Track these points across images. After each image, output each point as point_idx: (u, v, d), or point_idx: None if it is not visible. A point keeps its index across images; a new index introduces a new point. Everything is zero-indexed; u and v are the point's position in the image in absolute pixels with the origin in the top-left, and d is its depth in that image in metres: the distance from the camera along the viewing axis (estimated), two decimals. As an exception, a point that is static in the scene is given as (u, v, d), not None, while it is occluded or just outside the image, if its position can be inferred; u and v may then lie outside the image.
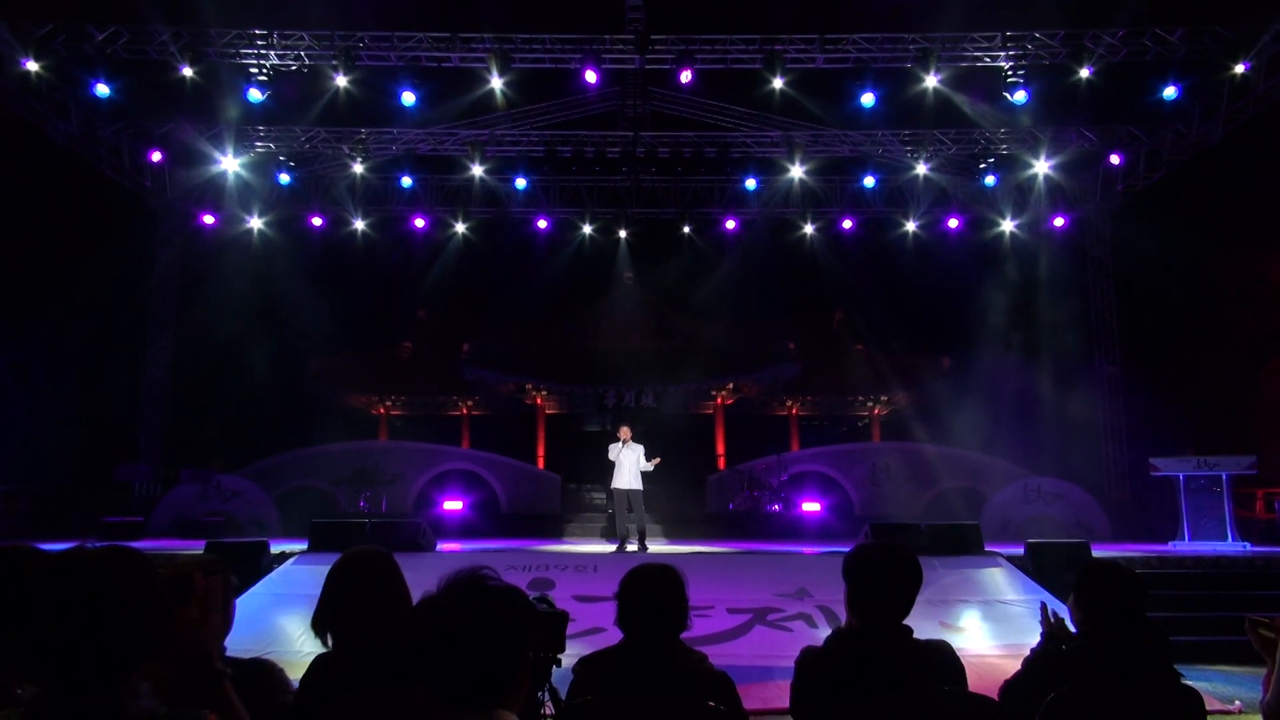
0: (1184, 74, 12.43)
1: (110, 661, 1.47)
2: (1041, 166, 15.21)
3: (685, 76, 12.43)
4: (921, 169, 15.42)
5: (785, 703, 2.63)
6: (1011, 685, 2.71)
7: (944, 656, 2.55)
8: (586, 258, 17.62)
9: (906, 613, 2.57)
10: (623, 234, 17.33)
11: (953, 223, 16.65)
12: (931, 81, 12.39)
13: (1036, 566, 8.77)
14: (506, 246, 17.53)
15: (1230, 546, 10.63)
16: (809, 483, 15.88)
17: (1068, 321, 16.33)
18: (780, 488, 15.38)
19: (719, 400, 19.97)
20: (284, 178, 15.49)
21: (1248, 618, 2.52)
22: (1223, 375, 17.68)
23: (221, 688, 1.86)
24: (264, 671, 2.30)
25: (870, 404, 20.89)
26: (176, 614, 2.06)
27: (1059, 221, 16.28)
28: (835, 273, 17.59)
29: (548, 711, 3.20)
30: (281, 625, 7.24)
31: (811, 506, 15.18)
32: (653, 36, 12.41)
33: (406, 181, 16.03)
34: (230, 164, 15.04)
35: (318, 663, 2.43)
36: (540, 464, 18.65)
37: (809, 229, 16.86)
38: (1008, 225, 16.67)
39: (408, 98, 12.76)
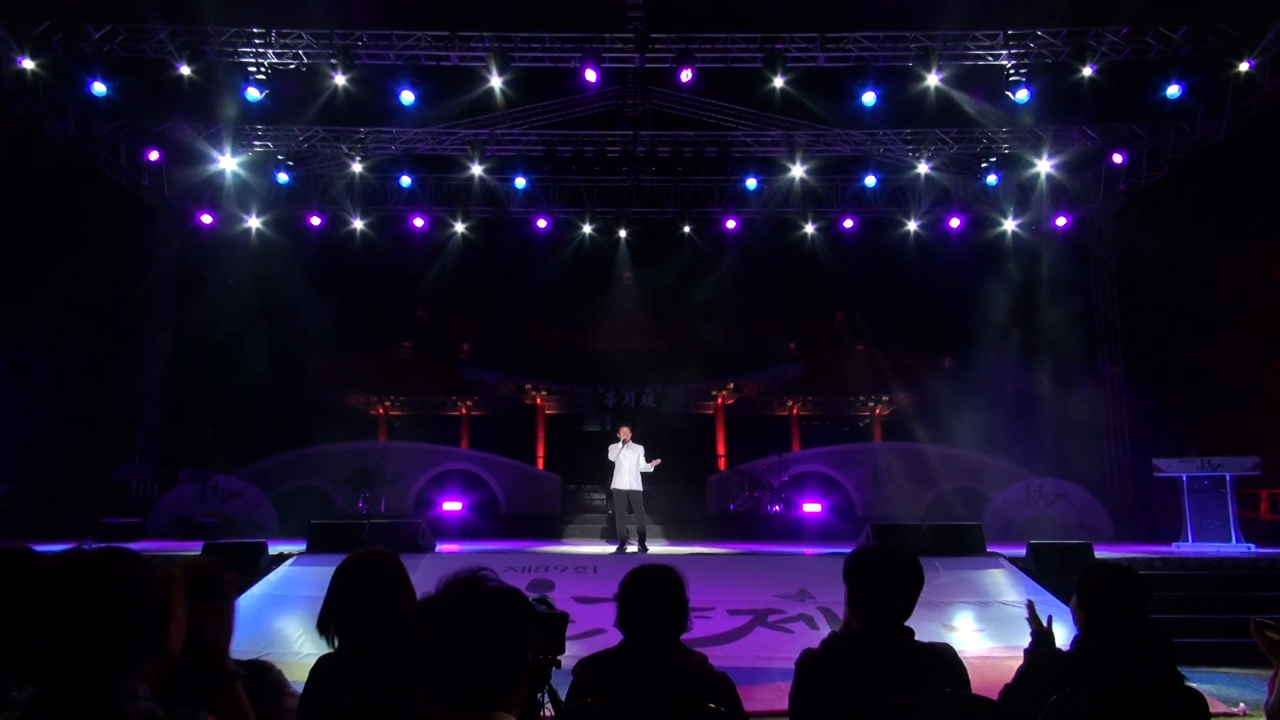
0: (1187, 72, 12.40)
1: (108, 663, 1.46)
2: (1044, 165, 15.19)
3: (685, 75, 12.40)
4: (923, 168, 15.39)
5: (786, 704, 2.61)
6: (1011, 689, 2.69)
7: (946, 659, 2.53)
8: (586, 257, 17.59)
9: (908, 614, 2.55)
10: (623, 234, 17.30)
11: (954, 222, 16.63)
12: (933, 80, 12.36)
13: (1039, 568, 8.73)
14: (506, 246, 17.51)
15: (1234, 548, 10.60)
16: (810, 483, 15.87)
17: (1070, 321, 16.29)
18: (781, 488, 15.36)
19: (719, 400, 19.96)
20: (282, 177, 15.46)
21: (1253, 619, 2.50)
22: (1226, 375, 17.67)
23: (233, 688, 1.86)
24: (262, 673, 2.30)
25: (871, 404, 20.88)
26: (201, 608, 2.06)
27: (1061, 221, 16.25)
28: (836, 272, 17.57)
29: (547, 713, 3.18)
30: (279, 627, 7.22)
31: (812, 507, 15.16)
32: (653, 35, 12.38)
33: (405, 181, 15.99)
34: (228, 163, 15.02)
35: (322, 663, 2.43)
36: (540, 464, 18.63)
37: (810, 228, 16.84)
38: (1010, 225, 16.64)
39: (407, 97, 12.73)
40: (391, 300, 19.61)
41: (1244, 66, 11.93)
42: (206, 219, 16.01)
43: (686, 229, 16.79)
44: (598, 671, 2.60)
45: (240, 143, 14.86)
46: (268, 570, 8.69)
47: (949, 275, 17.10)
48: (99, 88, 12.34)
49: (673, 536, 14.13)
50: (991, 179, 15.68)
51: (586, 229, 17.07)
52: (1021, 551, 9.23)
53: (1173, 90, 12.45)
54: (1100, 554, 9.02)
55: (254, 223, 16.35)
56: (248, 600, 7.66)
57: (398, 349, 20.62)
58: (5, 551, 1.88)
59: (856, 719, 2.29)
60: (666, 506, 15.30)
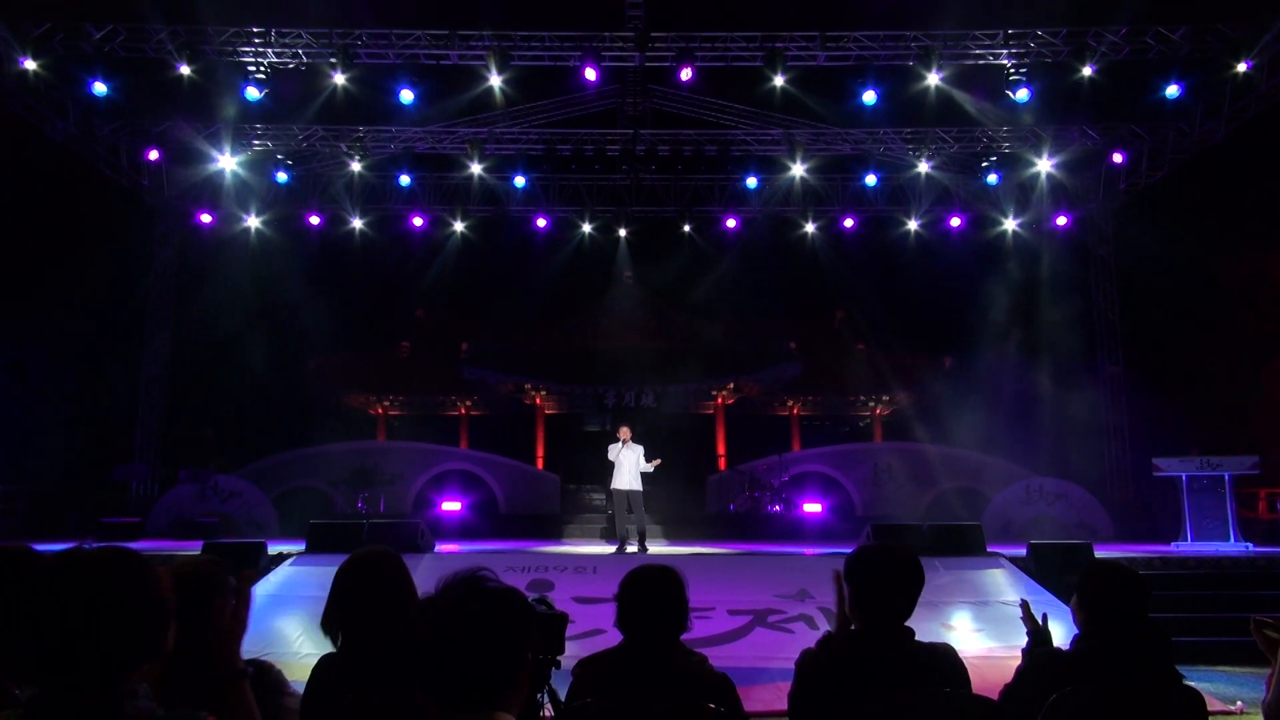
0: (1186, 72, 12.41)
1: (108, 663, 1.46)
2: (1044, 165, 15.19)
3: (685, 74, 12.39)
4: (923, 167, 15.38)
5: (786, 704, 2.61)
6: (1011, 689, 2.69)
7: (946, 659, 2.53)
8: (586, 256, 17.58)
9: (908, 614, 2.55)
10: (622, 233, 17.29)
11: (954, 221, 16.62)
12: (933, 79, 12.36)
13: (1039, 568, 8.74)
14: (505, 245, 17.50)
15: (1233, 547, 10.61)
16: (810, 483, 15.86)
17: (1070, 321, 16.29)
18: (781, 488, 15.35)
19: (719, 400, 19.95)
20: (282, 176, 15.45)
21: (1253, 618, 2.50)
22: (1226, 375, 17.69)
23: (242, 686, 1.86)
24: (262, 673, 2.29)
25: (872, 404, 20.87)
26: (215, 605, 2.05)
27: (1061, 220, 16.25)
28: (836, 272, 17.56)
29: (547, 713, 3.18)
30: (279, 626, 7.22)
31: (813, 507, 15.15)
32: (653, 34, 12.38)
33: (405, 180, 15.98)
34: (228, 162, 15.01)
35: (323, 663, 2.43)
36: (539, 464, 18.61)
37: (810, 228, 16.83)
38: (1010, 224, 16.64)
39: (406, 96, 12.72)
40: (391, 300, 19.61)
41: (1242, 67, 11.95)
42: (206, 218, 16.00)
43: (686, 228, 16.78)
44: (597, 672, 2.59)
45: (240, 142, 14.86)
46: (267, 570, 8.69)
47: (949, 275, 17.11)
48: (99, 88, 12.35)
49: (673, 536, 14.12)
50: (992, 178, 15.67)
51: (586, 228, 17.06)
52: (1021, 551, 9.23)
53: (1172, 90, 12.47)
54: (1100, 554, 9.02)
55: (253, 222, 16.34)
56: (247, 600, 7.65)
57: (397, 349, 20.61)
58: (6, 551, 1.88)
59: (856, 719, 2.29)
60: (666, 506, 15.29)
